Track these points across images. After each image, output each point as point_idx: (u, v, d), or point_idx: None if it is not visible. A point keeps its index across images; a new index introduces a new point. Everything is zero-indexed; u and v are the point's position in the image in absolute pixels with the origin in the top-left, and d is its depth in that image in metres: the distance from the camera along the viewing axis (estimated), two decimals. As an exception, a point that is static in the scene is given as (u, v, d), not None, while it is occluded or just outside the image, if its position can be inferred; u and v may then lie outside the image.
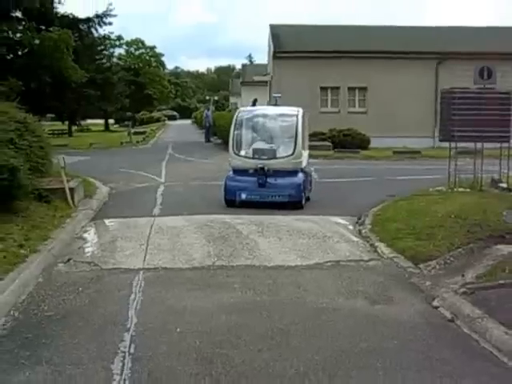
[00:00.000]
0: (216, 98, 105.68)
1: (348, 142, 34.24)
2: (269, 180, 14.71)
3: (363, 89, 39.62)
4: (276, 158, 14.95)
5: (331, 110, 39.69)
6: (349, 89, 39.95)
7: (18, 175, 11.76)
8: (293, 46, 39.89)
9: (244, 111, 17.08)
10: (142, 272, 8.93)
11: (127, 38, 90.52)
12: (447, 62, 37.68)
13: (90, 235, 11.73)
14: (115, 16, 41.72)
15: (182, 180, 20.27)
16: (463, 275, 8.53)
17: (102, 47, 55.19)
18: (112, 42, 71.09)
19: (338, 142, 34.28)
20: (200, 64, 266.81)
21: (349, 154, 30.90)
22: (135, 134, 47.20)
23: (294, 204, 14.44)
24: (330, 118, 37.99)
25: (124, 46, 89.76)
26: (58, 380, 5.41)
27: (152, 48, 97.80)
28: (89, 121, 69.26)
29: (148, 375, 5.46)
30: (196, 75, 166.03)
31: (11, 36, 36.60)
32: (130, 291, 7.99)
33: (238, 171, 15.27)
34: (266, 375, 5.46)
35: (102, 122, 73.41)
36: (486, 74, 16.31)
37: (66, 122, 56.26)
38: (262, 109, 18.09)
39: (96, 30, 43.15)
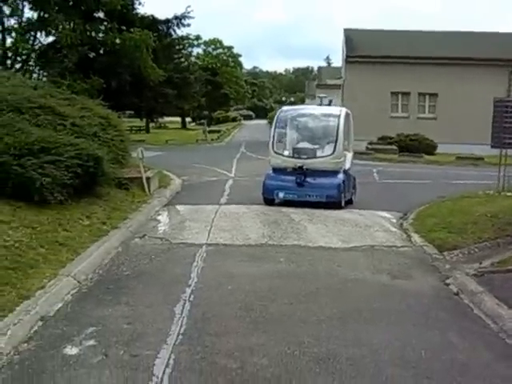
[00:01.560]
0: (292, 99, 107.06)
1: (414, 147, 35.20)
2: (308, 179, 14.76)
3: (434, 95, 40.40)
4: (316, 158, 15.00)
5: (401, 115, 40.71)
6: (419, 94, 40.88)
7: (102, 164, 13.32)
8: (365, 50, 40.87)
9: (286, 110, 17.21)
10: (204, 246, 10.57)
11: (205, 37, 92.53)
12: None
13: (163, 217, 13.45)
14: (193, 18, 43.31)
15: (250, 175, 21.76)
16: (481, 263, 9.81)
17: (181, 47, 56.99)
18: (190, 41, 73.54)
19: (404, 146, 35.33)
20: (278, 64, 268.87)
21: (413, 158, 31.98)
22: (210, 132, 49.12)
23: (331, 204, 14.45)
24: (400, 122, 39.02)
25: (202, 46, 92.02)
26: (132, 315, 7.03)
27: (230, 48, 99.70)
28: (166, 118, 71.74)
29: (202, 315, 7.06)
30: (274, 76, 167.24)
31: (94, 36, 38.55)
32: (194, 260, 9.62)
33: (277, 170, 15.37)
34: (292, 320, 6.98)
35: (178, 119, 75.85)
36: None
37: (144, 120, 58.51)
38: (304, 108, 18.72)
39: (174, 31, 44.89)
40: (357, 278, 8.87)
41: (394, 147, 34.63)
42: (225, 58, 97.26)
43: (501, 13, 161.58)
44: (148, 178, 16.39)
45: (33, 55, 36.81)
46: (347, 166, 15.68)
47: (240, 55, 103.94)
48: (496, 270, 9.24)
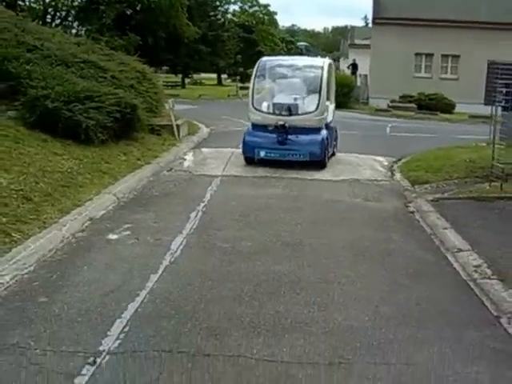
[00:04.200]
0: (328, 57, 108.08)
1: (433, 106, 37.07)
2: (290, 137, 13.99)
3: (456, 56, 41.88)
4: (298, 115, 14.18)
5: (424, 76, 42.33)
6: (442, 56, 42.37)
7: (137, 112, 15.60)
8: (391, 12, 42.16)
9: (266, 60, 16.16)
10: (219, 177, 13.02)
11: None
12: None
13: (189, 157, 15.85)
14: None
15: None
16: (442, 193, 12.07)
17: (217, 4, 58.81)
18: (227, -1, 75.37)
19: (424, 104, 37.19)
20: (317, 23, 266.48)
21: (429, 115, 33.88)
22: (242, 88, 51.15)
23: (315, 163, 14.10)
24: (423, 82, 40.63)
25: (239, 3, 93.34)
26: (157, 218, 9.50)
27: (266, 6, 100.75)
28: (202, 75, 73.71)
29: (210, 219, 9.55)
30: (311, 34, 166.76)
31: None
32: (209, 185, 12.09)
33: (257, 126, 14.59)
34: (277, 223, 9.42)
35: (215, 76, 77.90)
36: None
37: (180, 76, 60.67)
38: (285, 59, 17.53)
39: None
40: (336, 200, 11.27)
41: (413, 105, 36.51)
42: (261, 15, 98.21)
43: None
44: (178, 126, 18.71)
45: (72, 11, 38.83)
46: (329, 118, 15.25)
47: (276, 13, 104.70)
48: (449, 197, 11.53)
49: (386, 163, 15.92)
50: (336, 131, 16.48)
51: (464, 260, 7.90)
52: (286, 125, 13.85)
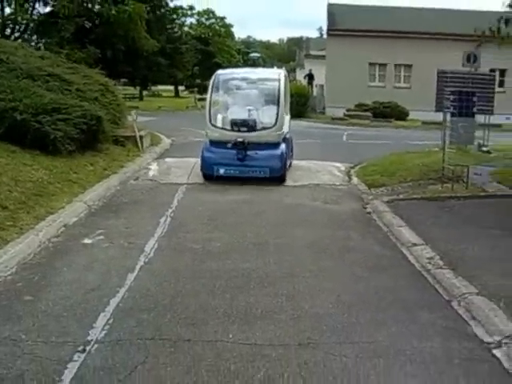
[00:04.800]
0: (284, 68, 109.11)
1: (387, 114, 38.21)
2: (249, 153, 13.78)
3: (409, 66, 43.17)
4: (257, 130, 14.03)
5: (378, 85, 43.46)
6: (395, 66, 43.61)
7: (102, 123, 16.02)
8: (345, 24, 43.23)
9: (221, 74, 15.67)
10: (185, 185, 13.52)
11: (199, 8, 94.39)
12: (488, 44, 40.36)
13: (153, 166, 16.29)
14: (186, -10, 45.83)
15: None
16: (398, 195, 12.73)
17: (174, 17, 59.35)
18: (184, 11, 75.99)
19: (378, 112, 38.31)
20: (273, 34, 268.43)
21: (383, 123, 34.90)
22: (200, 99, 51.70)
23: (275, 179, 13.90)
24: (377, 91, 41.72)
25: (195, 16, 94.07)
26: (129, 223, 9.95)
27: (222, 18, 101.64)
28: (160, 87, 74.09)
29: (179, 223, 10.03)
30: (267, 45, 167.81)
31: (90, 7, 40.76)
32: (176, 193, 12.58)
33: (215, 143, 14.27)
34: (242, 225, 9.97)
35: (172, 88, 78.30)
36: (473, 59, 20.02)
37: (138, 88, 60.95)
38: (241, 72, 16.89)
39: (167, 3, 47.35)
40: (297, 203, 11.85)
41: (369, 113, 37.53)
42: (217, 27, 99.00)
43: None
44: (141, 137, 19.13)
45: (31, 25, 38.92)
46: (286, 129, 14.91)
47: (232, 25, 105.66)
48: (403, 198, 12.20)
49: (343, 169, 16.55)
50: (291, 141, 16.13)
51: (418, 253, 8.52)
52: (245, 141, 13.70)
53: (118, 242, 8.82)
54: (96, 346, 5.44)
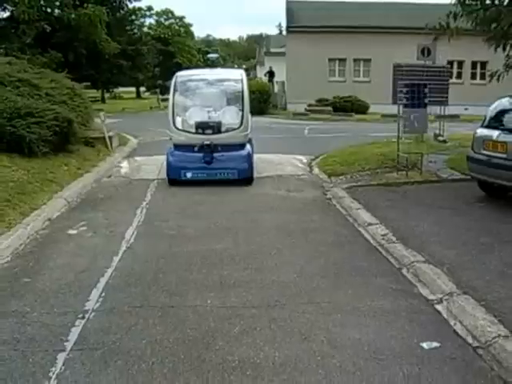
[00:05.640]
0: (244, 66, 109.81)
1: (348, 108, 39.23)
2: (215, 156, 13.70)
3: (367, 60, 44.15)
4: (223, 132, 13.88)
5: (338, 79, 44.45)
6: (354, 60, 44.64)
7: (73, 125, 16.72)
8: (304, 20, 44.07)
9: (182, 76, 15.30)
10: (156, 180, 14.35)
11: (157, 8, 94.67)
12: (445, 37, 41.46)
13: (124, 165, 17.11)
14: (146, -8, 46.53)
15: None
16: (356, 182, 13.70)
17: (133, 17, 59.81)
18: (142, 12, 76.51)
19: (339, 107, 39.28)
20: (232, 32, 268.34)
21: (344, 117, 35.85)
22: (163, 100, 52.34)
23: (243, 180, 13.78)
24: (337, 86, 42.72)
25: (154, 17, 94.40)
26: (108, 215, 10.78)
27: (181, 18, 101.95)
28: (121, 89, 74.33)
29: (154, 213, 10.90)
30: (227, 43, 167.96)
31: (50, 12, 41.15)
32: (148, 187, 13.43)
33: (180, 146, 14.08)
34: (213, 213, 10.89)
35: (133, 89, 78.68)
36: (427, 52, 21.10)
37: (99, 90, 61.28)
38: (201, 73, 16.14)
39: (126, 5, 47.99)
40: (262, 193, 12.78)
41: (329, 108, 38.51)
42: (177, 27, 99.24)
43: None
44: (110, 137, 19.87)
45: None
46: (250, 130, 14.64)
47: (191, 25, 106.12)
48: (361, 185, 13.19)
49: (305, 160, 17.50)
50: (251, 139, 15.35)
51: (373, 231, 9.49)
52: (212, 143, 13.60)
53: (100, 232, 9.65)
54: (93, 313, 6.29)
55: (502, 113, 11.80)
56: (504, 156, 10.70)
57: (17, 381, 4.93)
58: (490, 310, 6.04)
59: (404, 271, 7.66)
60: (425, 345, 5.58)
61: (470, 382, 4.95)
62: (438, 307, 6.47)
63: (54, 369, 5.11)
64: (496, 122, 11.66)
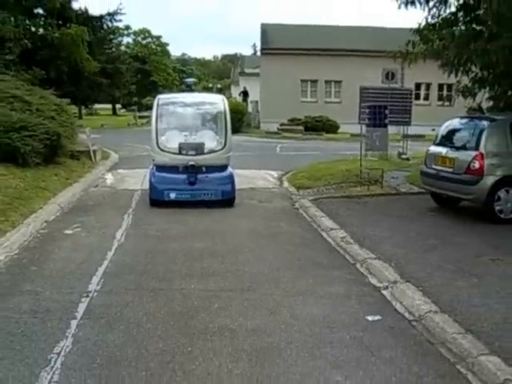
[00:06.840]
0: (219, 85, 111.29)
1: (319, 127, 40.86)
2: (199, 177, 13.80)
3: (338, 82, 45.83)
4: (206, 153, 13.98)
5: (310, 100, 46.08)
6: (326, 82, 46.30)
7: (61, 139, 18.08)
8: (278, 42, 45.57)
9: (164, 98, 15.46)
10: (139, 190, 15.62)
11: (135, 27, 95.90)
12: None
13: (108, 176, 18.38)
14: (125, 14, 47.92)
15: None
16: (322, 194, 15.09)
17: (111, 36, 60.97)
18: (121, 31, 77.83)
19: (310, 126, 40.88)
20: (208, 51, 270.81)
21: (315, 135, 37.50)
22: (140, 117, 53.66)
23: (226, 201, 13.95)
24: (309, 106, 44.30)
25: (132, 36, 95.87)
26: (99, 219, 12.06)
27: (158, 37, 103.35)
28: (97, 105, 75.39)
29: (140, 218, 12.20)
30: (202, 62, 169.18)
31: (35, 31, 42.26)
32: (133, 196, 14.75)
33: (163, 167, 14.02)
34: (193, 220, 12.24)
35: (109, 106, 79.82)
36: (391, 76, 22.63)
37: (78, 106, 62.19)
38: (184, 97, 15.95)
39: (107, 25, 49.37)
40: (236, 203, 14.06)
41: (301, 127, 40.12)
42: (153, 46, 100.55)
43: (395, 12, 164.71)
44: (94, 151, 21.15)
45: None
46: (231, 151, 14.80)
47: (168, 44, 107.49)
48: (326, 197, 14.61)
49: (276, 175, 18.91)
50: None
51: (334, 235, 10.88)
52: (197, 164, 13.70)
53: (93, 232, 10.94)
54: (96, 293, 7.57)
55: (452, 132, 13.36)
56: (451, 170, 12.22)
57: (40, 338, 6.17)
58: (426, 294, 7.40)
59: (358, 266, 9.05)
60: (369, 318, 6.92)
61: (403, 342, 6.28)
62: (384, 292, 7.84)
63: (69, 330, 6.36)
64: (446, 140, 13.21)
